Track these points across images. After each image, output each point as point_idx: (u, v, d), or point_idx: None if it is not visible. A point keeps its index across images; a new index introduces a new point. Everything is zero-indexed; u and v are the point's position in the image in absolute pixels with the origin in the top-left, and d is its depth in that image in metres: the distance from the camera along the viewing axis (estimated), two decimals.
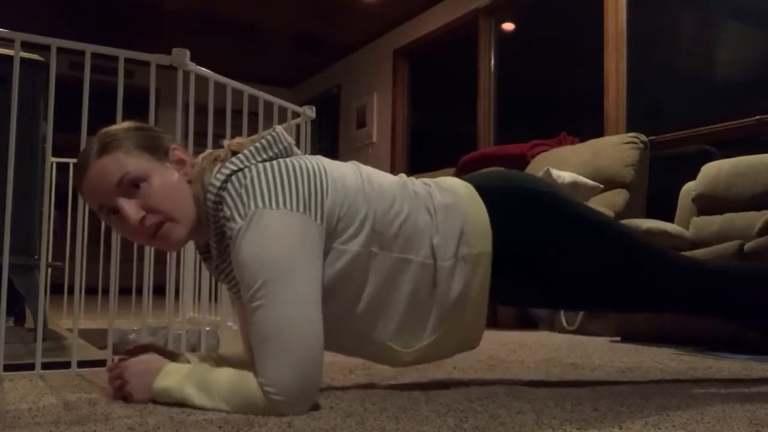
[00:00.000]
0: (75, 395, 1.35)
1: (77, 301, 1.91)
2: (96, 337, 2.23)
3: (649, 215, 3.46)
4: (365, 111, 7.09)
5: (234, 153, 1.31)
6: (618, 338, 2.77)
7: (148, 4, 6.10)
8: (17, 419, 1.11)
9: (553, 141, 4.41)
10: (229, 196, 1.23)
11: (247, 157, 1.28)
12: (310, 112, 2.60)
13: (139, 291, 3.10)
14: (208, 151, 1.38)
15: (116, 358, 1.34)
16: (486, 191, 1.41)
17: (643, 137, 3.76)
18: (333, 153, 7.67)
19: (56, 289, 3.04)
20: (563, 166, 3.83)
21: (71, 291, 3.35)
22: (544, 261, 1.42)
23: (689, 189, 3.26)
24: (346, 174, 1.31)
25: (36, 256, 2.12)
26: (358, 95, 7.24)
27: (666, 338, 2.54)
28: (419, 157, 6.57)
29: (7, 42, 1.76)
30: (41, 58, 2.02)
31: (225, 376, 1.21)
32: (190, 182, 1.33)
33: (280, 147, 1.31)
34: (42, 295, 1.89)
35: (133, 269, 3.27)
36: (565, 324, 3.14)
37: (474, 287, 1.36)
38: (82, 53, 1.80)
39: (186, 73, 1.95)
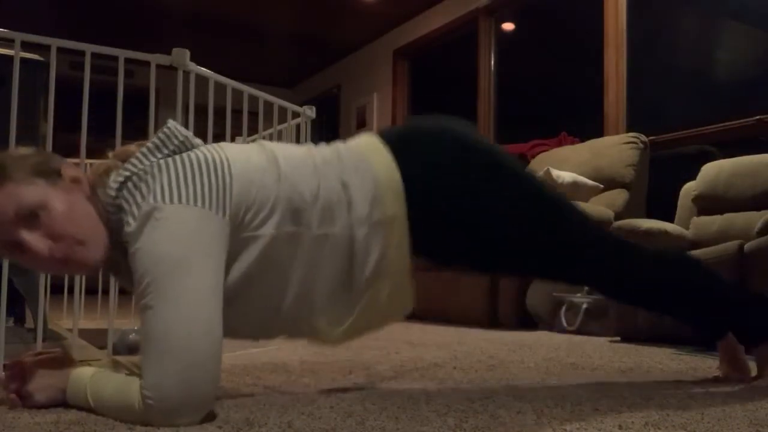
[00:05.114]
0: None
1: (77, 301, 1.91)
2: (96, 337, 2.23)
3: (649, 215, 3.46)
4: (365, 111, 7.09)
5: (123, 161, 1.22)
6: (618, 338, 2.77)
7: (148, 4, 6.10)
8: (17, 419, 1.11)
9: (553, 141, 4.41)
10: (125, 202, 1.16)
11: (140, 159, 1.19)
12: (310, 112, 2.60)
13: None
14: (98, 162, 1.29)
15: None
16: (393, 141, 1.33)
17: (643, 137, 3.76)
18: None
19: (56, 289, 3.04)
20: (563, 166, 3.83)
21: (71, 291, 3.35)
22: (463, 215, 1.32)
23: (689, 189, 3.26)
24: (251, 157, 1.24)
25: None
26: (358, 95, 7.24)
27: (666, 338, 2.54)
28: None
29: (7, 42, 1.76)
30: (41, 58, 2.02)
31: (116, 379, 1.15)
32: (90, 199, 1.23)
33: (176, 142, 1.21)
34: (42, 295, 1.89)
35: None
36: (565, 324, 3.14)
37: (391, 251, 1.28)
38: (82, 53, 1.80)
39: (186, 73, 1.96)
